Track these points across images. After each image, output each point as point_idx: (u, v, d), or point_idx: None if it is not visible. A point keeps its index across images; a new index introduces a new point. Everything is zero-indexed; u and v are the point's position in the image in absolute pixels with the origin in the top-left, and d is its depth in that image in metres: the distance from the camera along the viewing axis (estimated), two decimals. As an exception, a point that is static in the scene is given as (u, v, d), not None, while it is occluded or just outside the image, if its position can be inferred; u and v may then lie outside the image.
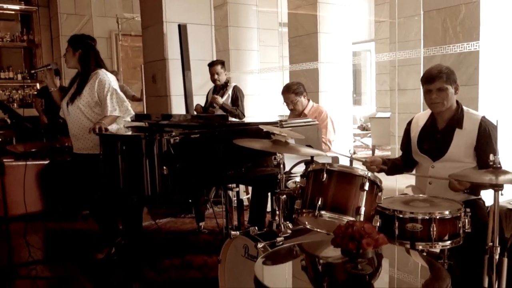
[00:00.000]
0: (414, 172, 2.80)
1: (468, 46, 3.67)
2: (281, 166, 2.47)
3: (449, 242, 2.11)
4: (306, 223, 2.25)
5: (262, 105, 7.90)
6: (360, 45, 12.09)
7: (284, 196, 2.43)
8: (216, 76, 4.97)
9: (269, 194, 3.51)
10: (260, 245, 2.20)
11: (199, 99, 5.30)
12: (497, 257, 1.98)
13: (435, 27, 3.92)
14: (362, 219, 2.08)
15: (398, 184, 4.32)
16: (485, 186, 2.37)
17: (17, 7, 8.75)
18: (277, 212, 2.43)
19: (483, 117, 2.56)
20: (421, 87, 2.64)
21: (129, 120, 3.72)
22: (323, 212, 2.11)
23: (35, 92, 8.27)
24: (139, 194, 3.05)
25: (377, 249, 1.71)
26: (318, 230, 2.22)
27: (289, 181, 2.72)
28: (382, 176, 2.43)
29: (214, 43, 5.92)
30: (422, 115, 2.78)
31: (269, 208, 3.56)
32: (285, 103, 4.15)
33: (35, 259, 3.75)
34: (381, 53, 8.44)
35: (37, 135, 6.32)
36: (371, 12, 11.04)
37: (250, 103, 7.11)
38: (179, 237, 4.27)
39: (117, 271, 3.46)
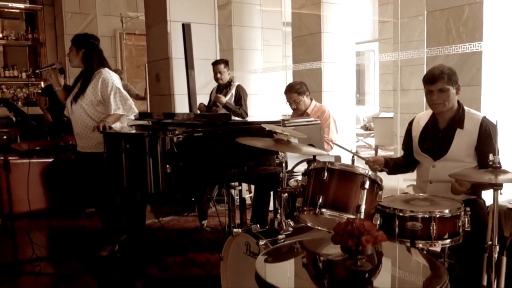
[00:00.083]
0: (415, 171, 2.83)
1: (471, 47, 3.68)
2: (283, 165, 2.49)
3: (448, 240, 2.13)
4: (307, 221, 2.27)
5: (266, 105, 7.91)
6: (363, 45, 12.07)
7: (286, 194, 2.45)
8: (219, 75, 4.99)
9: (271, 193, 3.53)
10: (261, 243, 2.23)
11: (203, 98, 5.33)
12: (496, 255, 2.00)
13: (438, 27, 3.93)
14: (362, 217, 2.10)
15: (399, 184, 4.34)
16: (486, 187, 2.39)
17: (22, 5, 8.80)
18: (279, 210, 2.46)
19: (484, 117, 2.57)
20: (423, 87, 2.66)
21: (133, 118, 3.75)
22: (323, 210, 2.14)
23: (40, 91, 8.31)
24: (143, 191, 3.07)
25: (377, 247, 1.73)
26: (319, 228, 2.24)
27: (291, 180, 2.74)
28: (384, 175, 2.45)
29: (218, 42, 5.94)
30: (423, 115, 2.80)
31: (271, 207, 3.58)
32: (288, 103, 4.17)
33: (39, 256, 3.78)
34: (385, 53, 8.43)
35: (41, 133, 6.37)
36: (375, 12, 11.03)
37: (254, 102, 7.12)
38: (182, 235, 4.30)
39: (120, 268, 3.48)
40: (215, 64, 5.03)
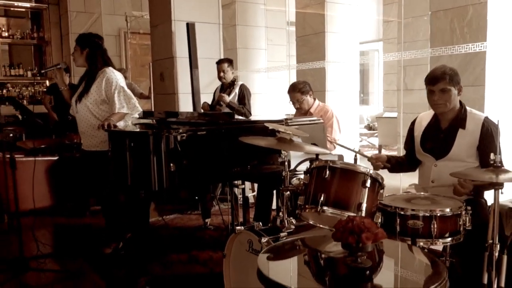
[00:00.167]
0: (417, 171, 2.84)
1: (475, 47, 3.68)
2: (286, 163, 2.51)
3: (449, 239, 2.14)
4: (309, 219, 2.29)
5: (269, 104, 7.93)
6: (368, 45, 12.07)
7: (288, 192, 2.47)
8: (222, 74, 5.01)
9: (274, 191, 3.54)
10: (264, 240, 2.25)
11: (207, 97, 5.35)
12: (496, 254, 2.01)
13: (442, 27, 3.93)
14: (363, 215, 2.12)
15: (402, 183, 4.35)
16: (488, 188, 2.39)
17: (27, 4, 8.84)
18: (281, 209, 2.48)
19: (486, 117, 2.58)
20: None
21: (137, 116, 3.78)
22: (325, 208, 2.16)
23: (45, 89, 8.36)
24: (147, 189, 3.10)
25: (378, 245, 1.75)
26: (321, 226, 2.26)
27: (293, 178, 2.76)
28: (387, 175, 2.47)
29: (222, 41, 5.96)
30: (425, 115, 2.81)
31: (274, 206, 3.60)
32: (291, 102, 4.19)
33: (44, 253, 3.81)
34: (389, 52, 8.42)
35: (46, 131, 6.41)
36: (380, 11, 11.01)
37: (257, 101, 7.14)
38: (186, 233, 4.32)
39: (124, 265, 3.51)
40: (219, 63, 5.06)
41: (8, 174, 3.55)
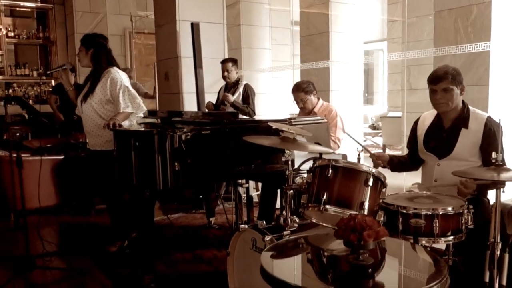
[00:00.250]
0: (420, 170, 2.85)
1: (479, 47, 3.69)
2: (290, 162, 2.53)
3: (451, 237, 2.15)
4: (312, 217, 2.31)
5: (273, 103, 7.94)
6: (372, 44, 12.04)
7: (291, 191, 2.49)
8: (226, 73, 5.03)
9: (278, 190, 3.56)
10: (267, 238, 2.27)
11: (211, 97, 5.37)
12: (498, 252, 2.02)
13: (446, 27, 3.94)
14: (365, 213, 2.13)
15: (405, 182, 4.36)
16: (491, 187, 2.40)
17: (33, 4, 8.89)
18: (285, 207, 2.50)
19: (489, 117, 2.59)
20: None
21: (142, 116, 3.81)
22: (328, 207, 2.18)
23: (50, 89, 8.41)
24: (152, 188, 3.12)
25: (380, 243, 1.77)
26: (324, 224, 2.28)
27: (297, 177, 2.78)
28: (390, 174, 2.48)
29: (226, 41, 5.98)
30: (428, 114, 2.82)
31: (278, 205, 3.61)
32: (295, 102, 4.21)
33: (50, 251, 3.84)
34: (393, 52, 8.42)
35: (52, 131, 6.45)
36: (384, 11, 11.01)
37: (261, 101, 7.16)
38: (190, 232, 4.34)
39: (129, 264, 3.54)
40: (224, 62, 5.08)
41: (15, 173, 3.58)
